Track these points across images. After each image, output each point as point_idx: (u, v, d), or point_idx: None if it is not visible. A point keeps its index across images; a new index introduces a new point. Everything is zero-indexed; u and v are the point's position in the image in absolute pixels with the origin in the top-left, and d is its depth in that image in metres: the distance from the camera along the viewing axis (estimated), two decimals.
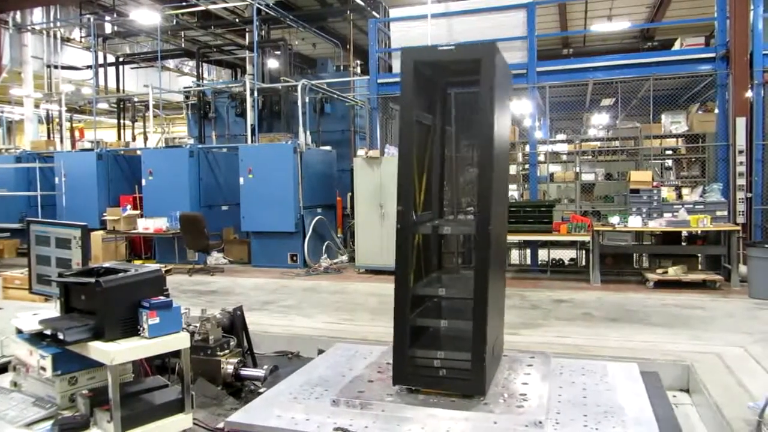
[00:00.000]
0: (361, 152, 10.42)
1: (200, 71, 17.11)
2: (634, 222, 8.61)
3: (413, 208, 3.60)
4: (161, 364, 3.97)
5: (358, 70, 17.00)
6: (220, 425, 3.55)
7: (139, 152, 12.85)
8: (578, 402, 3.58)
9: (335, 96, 13.43)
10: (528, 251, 10.45)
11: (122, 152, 13.37)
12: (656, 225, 8.57)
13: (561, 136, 13.41)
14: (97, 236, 11.34)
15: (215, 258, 11.15)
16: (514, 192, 13.24)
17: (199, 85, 16.03)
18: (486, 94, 3.37)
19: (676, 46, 10.87)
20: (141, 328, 2.81)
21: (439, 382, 3.54)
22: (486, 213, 3.39)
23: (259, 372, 4.53)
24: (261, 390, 4.25)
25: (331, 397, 3.61)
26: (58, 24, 17.53)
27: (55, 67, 17.32)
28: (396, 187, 3.57)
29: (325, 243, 11.21)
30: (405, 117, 3.56)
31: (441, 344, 3.88)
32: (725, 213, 8.53)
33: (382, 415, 3.40)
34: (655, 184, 9.15)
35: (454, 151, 4.46)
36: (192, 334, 4.33)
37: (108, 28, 17.19)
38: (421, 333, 3.88)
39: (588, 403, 3.55)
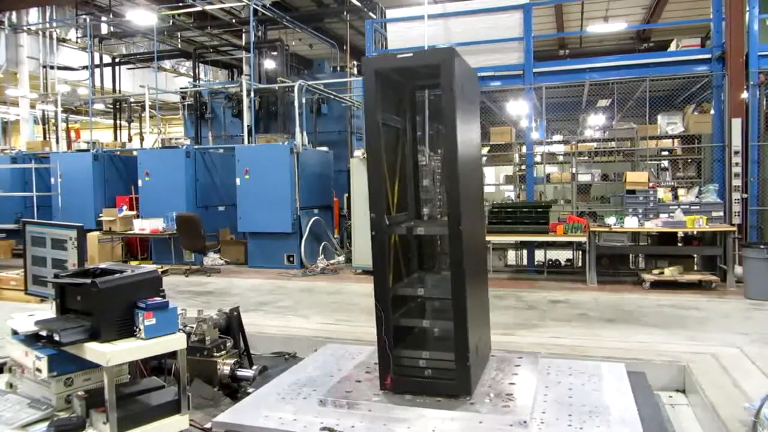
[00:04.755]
0: (357, 153, 10.43)
1: (197, 72, 17.08)
2: (631, 223, 8.64)
3: (387, 211, 3.62)
4: (158, 365, 3.97)
5: (355, 70, 16.99)
6: (208, 425, 3.55)
7: (135, 153, 12.85)
8: (564, 402, 3.60)
9: (332, 97, 13.44)
10: (524, 252, 10.45)
11: (118, 153, 13.34)
12: (652, 226, 8.60)
13: (557, 137, 13.39)
14: (93, 237, 11.33)
15: (212, 259, 11.14)
16: (510, 193, 13.27)
17: (195, 86, 16.00)
18: (447, 97, 3.41)
19: (672, 47, 10.90)
20: (137, 329, 2.80)
21: (425, 386, 3.56)
22: (455, 212, 3.41)
23: (248, 372, 4.56)
24: (250, 390, 4.27)
25: (318, 397, 3.63)
26: (54, 24, 17.49)
27: (51, 67, 17.27)
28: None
29: (322, 244, 11.20)
30: (370, 123, 3.57)
31: (426, 344, 3.89)
32: (721, 214, 8.55)
33: (369, 414, 3.42)
34: (651, 185, 9.17)
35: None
36: (188, 335, 4.33)
37: (104, 29, 17.16)
38: (407, 334, 3.89)
39: (574, 403, 3.57)
